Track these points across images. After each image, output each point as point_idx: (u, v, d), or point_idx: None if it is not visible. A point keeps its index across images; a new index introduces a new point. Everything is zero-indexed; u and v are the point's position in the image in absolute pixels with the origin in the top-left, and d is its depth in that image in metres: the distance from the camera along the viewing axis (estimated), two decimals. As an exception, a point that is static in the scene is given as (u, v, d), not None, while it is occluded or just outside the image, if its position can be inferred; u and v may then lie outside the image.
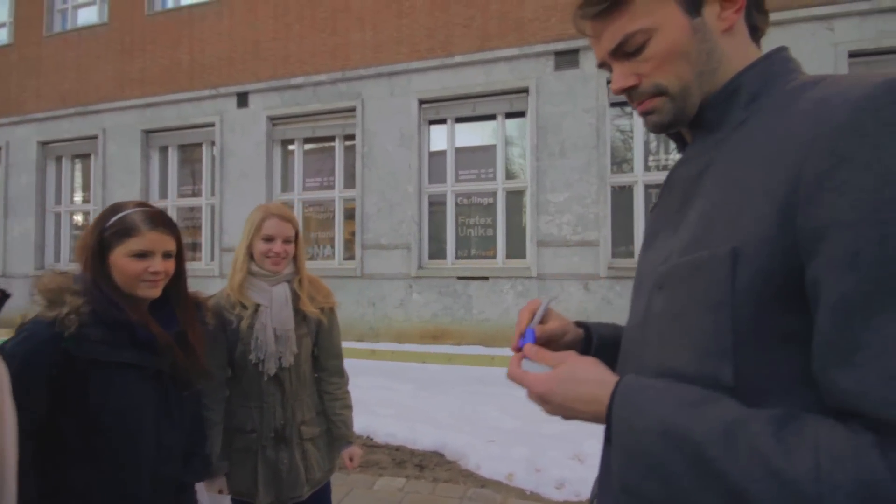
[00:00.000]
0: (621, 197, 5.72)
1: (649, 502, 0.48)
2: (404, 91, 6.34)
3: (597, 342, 0.72)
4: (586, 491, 2.54)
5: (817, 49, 5.04)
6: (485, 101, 6.12)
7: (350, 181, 6.71)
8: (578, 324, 0.75)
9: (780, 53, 0.55)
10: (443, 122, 6.36)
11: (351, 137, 6.68)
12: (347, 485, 2.70)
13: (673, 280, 0.53)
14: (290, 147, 7.12)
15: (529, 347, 0.62)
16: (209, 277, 6.94)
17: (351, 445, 1.56)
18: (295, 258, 1.51)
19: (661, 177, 5.58)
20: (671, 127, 0.60)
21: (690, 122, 0.59)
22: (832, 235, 0.40)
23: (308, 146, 7.10)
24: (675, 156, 5.61)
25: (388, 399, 4.04)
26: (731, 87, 0.55)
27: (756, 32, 0.58)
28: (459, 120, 6.32)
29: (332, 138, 6.86)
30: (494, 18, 6.03)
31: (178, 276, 1.12)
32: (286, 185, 7.12)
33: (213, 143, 7.28)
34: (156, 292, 1.06)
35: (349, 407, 1.58)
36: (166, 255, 1.07)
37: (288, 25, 6.90)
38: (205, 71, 7.25)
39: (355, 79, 6.56)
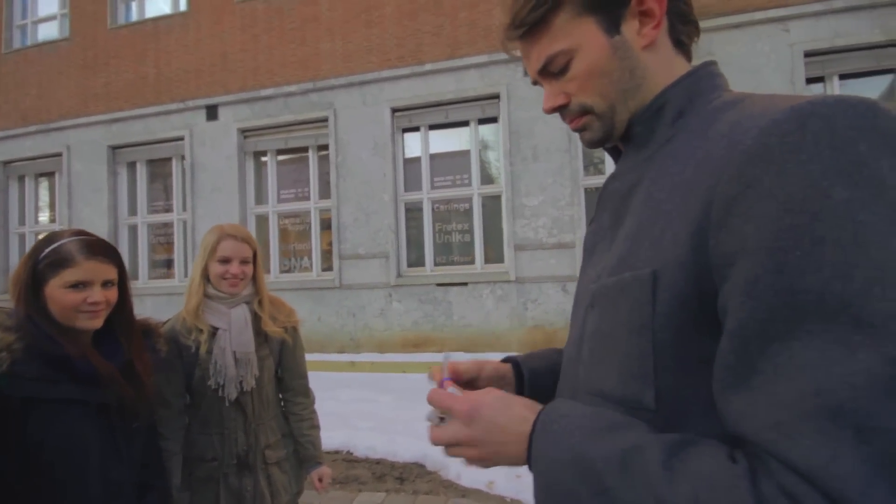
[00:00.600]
0: (594, 198, 5.79)
1: None
2: (376, 100, 6.33)
3: (528, 376, 0.70)
4: (566, 494, 2.55)
5: (774, 50, 5.22)
6: (457, 107, 6.15)
7: (325, 191, 6.65)
8: (506, 359, 0.73)
9: (707, 68, 0.55)
10: (416, 129, 6.37)
11: (324, 147, 6.64)
12: (325, 502, 2.65)
13: (602, 300, 0.52)
14: (263, 159, 7.03)
15: (450, 384, 0.59)
16: (183, 294, 6.78)
17: (320, 466, 1.53)
18: (254, 278, 1.48)
19: (632, 177, 5.68)
20: (603, 143, 0.60)
21: (622, 136, 0.59)
22: (738, 262, 0.39)
23: (281, 157, 7.02)
24: (644, 156, 5.73)
25: (368, 412, 3.99)
26: (658, 104, 0.54)
27: (682, 46, 0.58)
28: (433, 127, 6.34)
29: (305, 149, 6.80)
30: (464, 26, 6.08)
31: (123, 305, 1.09)
32: (260, 198, 7.02)
33: (182, 158, 7.14)
34: (97, 323, 1.02)
35: (317, 427, 1.56)
36: (106, 284, 1.03)
37: (256, 37, 6.83)
38: (172, 84, 7.12)
39: (326, 89, 6.52)
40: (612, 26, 0.54)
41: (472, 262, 6.16)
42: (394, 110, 6.29)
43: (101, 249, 1.03)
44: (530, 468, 0.50)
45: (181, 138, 7.04)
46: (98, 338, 1.05)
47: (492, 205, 6.18)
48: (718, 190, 0.42)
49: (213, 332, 1.40)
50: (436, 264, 6.27)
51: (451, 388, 0.59)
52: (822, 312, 0.35)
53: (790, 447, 0.35)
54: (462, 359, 0.69)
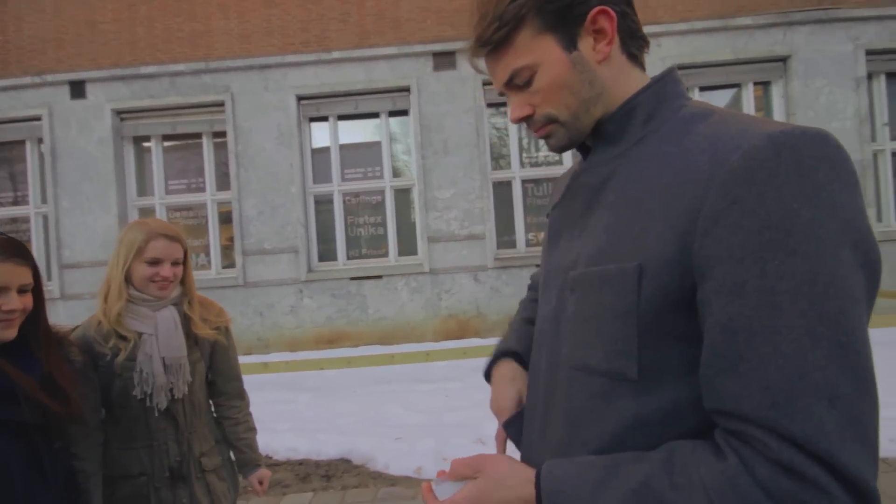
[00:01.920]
0: (502, 191, 6.13)
1: None
2: (279, 86, 5.98)
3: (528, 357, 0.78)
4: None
5: (650, 62, 5.89)
6: (367, 98, 6.05)
7: (224, 182, 6.15)
8: (507, 354, 0.82)
9: (671, 75, 0.63)
10: (324, 119, 6.15)
11: (221, 135, 6.11)
12: (249, 512, 2.54)
13: (584, 286, 0.59)
14: (146, 144, 6.27)
15: (441, 472, 0.64)
16: (48, 300, 5.83)
17: (259, 469, 1.48)
18: (183, 278, 1.37)
19: (535, 173, 6.11)
20: (568, 147, 0.67)
21: (592, 133, 0.64)
22: (723, 265, 0.47)
23: (169, 144, 6.32)
24: (546, 152, 6.19)
25: (285, 413, 3.85)
26: (629, 106, 0.61)
27: (635, 57, 0.64)
28: (342, 117, 6.17)
29: (198, 135, 6.20)
30: (371, 15, 5.98)
31: (37, 313, 0.97)
32: (143, 189, 6.27)
33: (40, 141, 6.09)
34: (11, 333, 0.91)
35: (253, 429, 1.51)
36: (22, 290, 0.91)
37: (131, 6, 6.02)
38: (24, 55, 6.00)
39: (221, 70, 5.99)
40: (570, 43, 0.60)
41: (385, 254, 6.16)
42: (300, 98, 6.00)
43: (15, 251, 0.91)
44: None
45: (38, 118, 5.98)
46: (7, 350, 0.92)
47: (403, 197, 6.22)
48: (706, 202, 0.49)
49: (138, 337, 1.28)
50: (349, 258, 6.16)
51: (439, 488, 0.62)
52: (796, 310, 0.44)
53: (788, 423, 0.44)
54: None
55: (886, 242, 5.77)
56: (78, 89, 6.01)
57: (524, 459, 0.69)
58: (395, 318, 5.90)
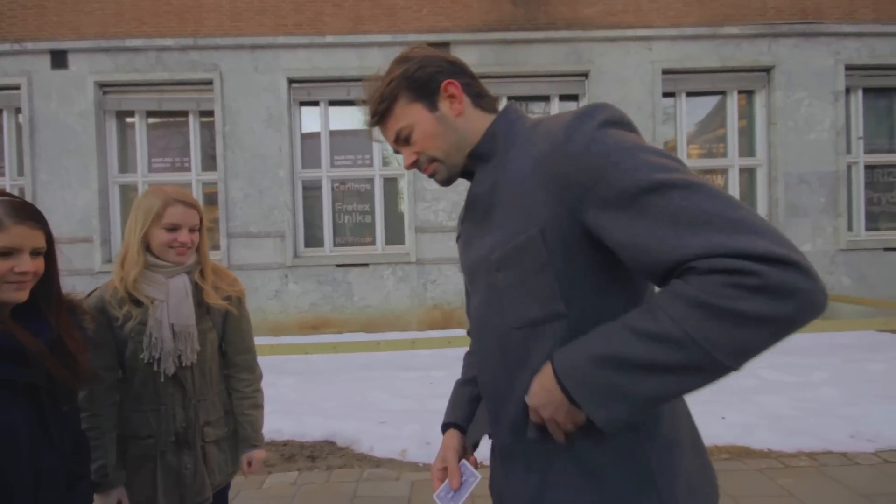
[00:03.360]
0: (490, 185, 6.17)
1: (627, 424, 0.64)
2: (270, 67, 5.89)
3: (466, 424, 0.96)
4: (473, 455, 2.81)
5: (640, 65, 6.04)
6: (360, 85, 5.96)
7: (209, 163, 6.05)
8: (448, 426, 0.97)
9: (511, 107, 0.85)
10: (315, 103, 6.09)
11: (208, 114, 6.00)
12: (234, 488, 2.55)
13: (506, 262, 0.75)
14: (130, 120, 6.11)
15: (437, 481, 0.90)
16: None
17: (255, 449, 1.48)
18: (198, 247, 1.38)
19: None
20: (451, 180, 0.89)
21: (471, 160, 0.84)
22: (589, 197, 0.66)
23: (153, 120, 6.17)
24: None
25: (268, 395, 3.78)
26: (491, 132, 0.83)
27: (486, 107, 0.86)
28: (333, 103, 6.12)
29: (184, 113, 6.07)
30: (367, 1, 5.92)
31: (49, 277, 0.98)
32: (125, 165, 6.12)
33: (18, 110, 5.87)
34: (22, 295, 0.91)
35: (259, 406, 1.50)
36: (35, 253, 0.92)
37: (119, -25, 5.83)
38: (3, 20, 5.76)
39: (211, 48, 5.87)
40: (433, 106, 0.83)
41: (372, 243, 6.17)
42: (291, 81, 5.93)
43: (29, 213, 0.92)
44: (571, 396, 0.66)
45: (16, 87, 5.77)
46: (17, 313, 0.93)
47: (391, 186, 6.22)
48: (558, 166, 0.69)
49: (150, 303, 1.30)
50: (335, 245, 6.14)
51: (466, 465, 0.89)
52: (644, 191, 0.61)
53: (692, 247, 0.57)
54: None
55: (856, 251, 6.05)
56: (59, 59, 5.81)
57: (494, 433, 0.84)
58: (380, 307, 5.92)
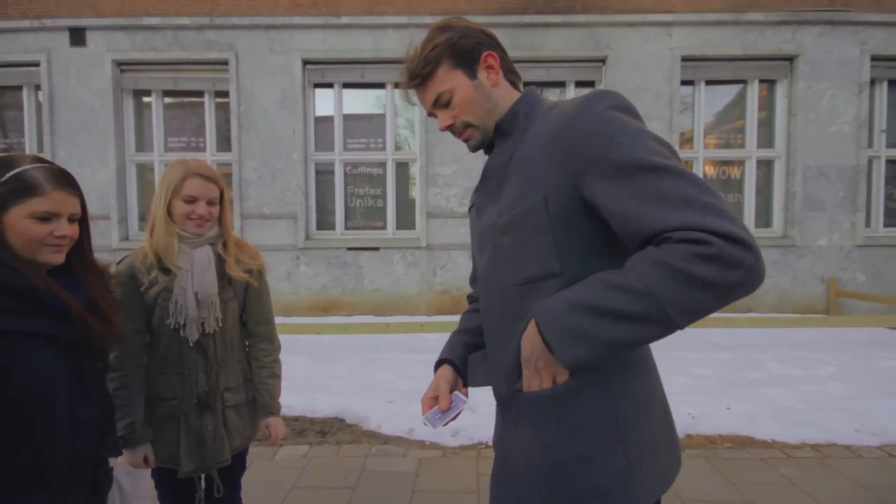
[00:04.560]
0: (502, 172, 6.15)
1: (587, 363, 0.74)
2: (285, 48, 5.89)
3: (459, 364, 1.03)
4: (479, 436, 2.87)
5: (659, 51, 5.93)
6: (374, 68, 5.99)
7: (224, 144, 6.10)
8: (442, 363, 1.04)
9: (533, 90, 0.94)
10: (329, 86, 6.09)
11: (223, 94, 6.03)
12: (246, 462, 2.65)
13: (511, 225, 0.84)
14: (147, 99, 6.17)
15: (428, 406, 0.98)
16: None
17: (271, 416, 1.54)
18: (220, 220, 1.44)
19: (536, 155, 6.13)
20: (482, 146, 0.96)
21: (495, 132, 0.93)
22: (590, 169, 0.75)
23: (169, 100, 6.22)
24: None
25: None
26: (514, 110, 0.91)
27: (514, 84, 0.96)
28: (347, 85, 6.11)
29: (200, 93, 6.11)
30: (383, -19, 5.86)
31: (82, 242, 1.03)
32: (142, 144, 6.20)
33: (37, 88, 5.96)
34: (60, 258, 0.97)
35: (277, 376, 1.56)
36: (71, 218, 0.97)
37: (137, -47, 5.83)
38: (23, -4, 5.82)
39: (227, 27, 5.88)
40: (472, 74, 0.91)
41: (383, 227, 6.21)
42: (305, 62, 5.92)
43: (67, 180, 0.97)
44: (544, 337, 0.77)
45: (36, 64, 5.84)
46: (55, 274, 0.98)
47: (403, 171, 6.23)
48: (565, 140, 0.78)
49: (176, 271, 1.37)
50: (346, 228, 6.20)
51: (457, 394, 0.97)
52: (638, 168, 0.70)
53: (671, 220, 0.67)
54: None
55: (873, 248, 5.95)
56: (78, 36, 5.86)
57: (492, 376, 0.94)
58: (389, 291, 5.99)
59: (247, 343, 1.56)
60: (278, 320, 5.93)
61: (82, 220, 1.03)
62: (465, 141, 0.95)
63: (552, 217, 0.79)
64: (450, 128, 0.93)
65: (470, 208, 1.03)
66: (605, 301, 0.70)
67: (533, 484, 0.82)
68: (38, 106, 5.99)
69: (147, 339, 1.41)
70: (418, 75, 0.90)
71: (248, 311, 1.53)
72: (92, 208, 6.04)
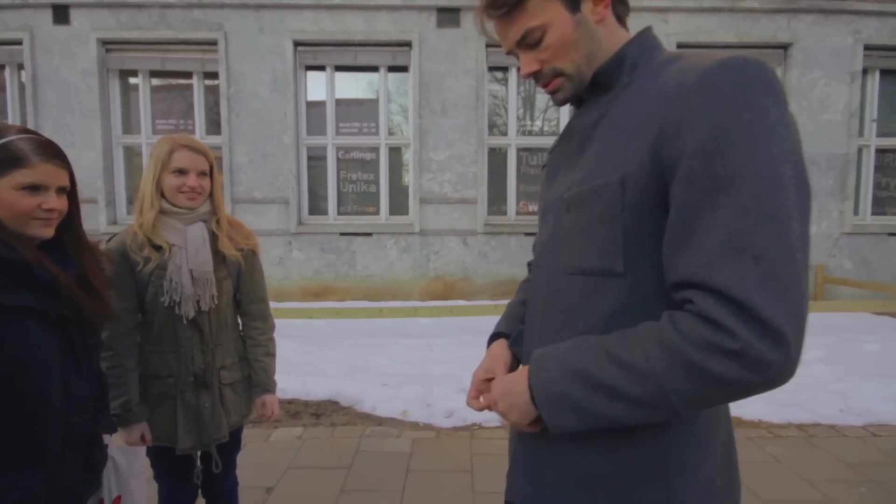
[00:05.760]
0: (496, 158, 6.14)
1: (574, 431, 0.65)
2: (276, 29, 5.77)
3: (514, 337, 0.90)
4: (472, 417, 2.89)
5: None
6: (367, 51, 5.90)
7: (214, 126, 5.99)
8: (498, 336, 0.93)
9: (649, 32, 0.73)
10: (321, 68, 5.99)
11: (213, 76, 5.91)
12: (242, 440, 2.65)
13: (577, 203, 0.69)
14: (133, 80, 6.03)
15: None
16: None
17: (267, 393, 1.55)
18: (211, 195, 1.41)
19: (531, 141, 6.12)
20: (571, 99, 0.76)
21: (590, 83, 0.73)
22: (682, 162, 0.57)
23: (157, 81, 6.08)
24: (539, 123, 6.18)
25: (273, 357, 3.93)
26: (618, 58, 0.71)
27: (621, 19, 0.74)
28: (339, 68, 6.02)
29: (188, 74, 5.98)
30: (376, -38, 5.74)
31: (72, 216, 1.00)
32: (129, 126, 6.07)
33: (20, 67, 5.79)
34: (49, 232, 0.94)
35: (271, 354, 1.56)
36: (60, 191, 0.95)
37: (122, -73, 5.64)
38: (2, -31, 5.62)
39: (215, 6, 5.73)
40: (574, 7, 0.69)
41: (376, 212, 6.17)
42: (297, 44, 5.81)
43: (55, 152, 0.94)
44: (533, 399, 0.67)
45: (19, 42, 5.67)
46: (44, 249, 0.96)
47: (396, 156, 6.17)
48: (669, 114, 0.59)
49: (168, 249, 1.34)
50: (339, 213, 6.15)
51: None
52: (732, 190, 0.54)
53: (715, 275, 0.54)
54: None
55: (861, 235, 6.04)
56: (61, 14, 5.69)
57: (526, 360, 0.81)
58: (382, 276, 5.97)
59: (240, 322, 1.55)
60: (271, 305, 5.89)
61: (72, 194, 1.01)
62: (552, 93, 0.75)
63: (627, 205, 0.62)
64: (534, 74, 0.73)
65: (543, 167, 0.87)
66: (605, 376, 0.60)
67: (558, 487, 0.72)
68: (22, 86, 5.83)
69: (140, 317, 1.39)
70: (504, 4, 0.69)
71: (242, 289, 1.51)
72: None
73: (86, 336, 1.01)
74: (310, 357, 3.97)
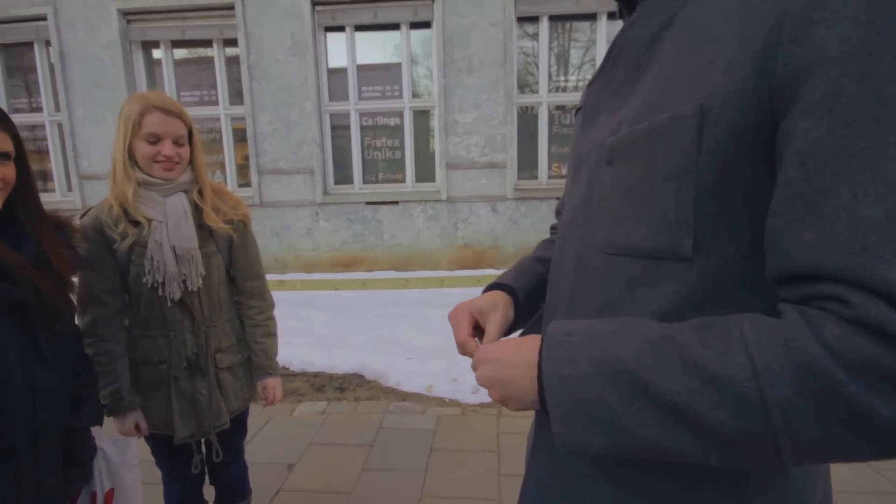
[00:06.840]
0: (526, 119, 5.78)
1: (594, 457, 0.46)
2: (293, -11, 5.51)
3: (523, 298, 0.70)
4: (499, 394, 2.78)
5: None
6: (387, 6, 5.57)
7: (237, 96, 5.90)
8: (496, 286, 0.71)
9: None
10: (341, 29, 5.72)
11: (232, 43, 5.77)
12: (266, 414, 2.65)
13: (625, 152, 0.47)
14: (157, 54, 5.97)
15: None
16: (70, 211, 5.90)
17: (268, 377, 1.44)
18: (192, 162, 1.26)
19: (564, 98, 5.70)
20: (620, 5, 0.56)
21: None
22: (815, 76, 0.35)
23: (178, 52, 6.01)
24: (574, 79, 5.73)
25: (301, 329, 3.93)
26: None
27: None
28: (359, 28, 5.73)
29: (208, 42, 5.86)
30: None
31: (25, 186, 0.88)
32: (156, 100, 6.06)
33: (48, 43, 5.83)
34: None
35: (272, 335, 1.45)
36: (2, 158, 0.82)
37: None
38: (19, -58, 5.58)
39: (231, -31, 5.52)
40: None
41: (402, 180, 5.99)
42: (314, 3, 5.55)
43: None
44: (544, 399, 0.46)
45: (43, 17, 5.69)
46: None
47: (422, 121, 5.92)
48: (786, 8, 0.36)
49: (147, 223, 1.21)
50: (364, 182, 6.02)
51: None
52: (883, 112, 0.32)
53: (885, 269, 0.32)
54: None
55: None
56: (81, -14, 5.63)
57: None
58: (410, 245, 5.86)
59: (237, 300, 1.44)
60: (299, 276, 5.92)
61: (21, 162, 0.88)
62: None
63: (705, 152, 0.41)
64: None
65: (576, 111, 0.64)
66: (672, 388, 0.38)
67: (598, 489, 0.54)
68: (51, 67, 5.89)
69: (126, 299, 1.29)
70: None
71: (235, 265, 1.39)
72: (109, 167, 6.04)
73: (50, 324, 0.91)
74: (336, 329, 3.94)
